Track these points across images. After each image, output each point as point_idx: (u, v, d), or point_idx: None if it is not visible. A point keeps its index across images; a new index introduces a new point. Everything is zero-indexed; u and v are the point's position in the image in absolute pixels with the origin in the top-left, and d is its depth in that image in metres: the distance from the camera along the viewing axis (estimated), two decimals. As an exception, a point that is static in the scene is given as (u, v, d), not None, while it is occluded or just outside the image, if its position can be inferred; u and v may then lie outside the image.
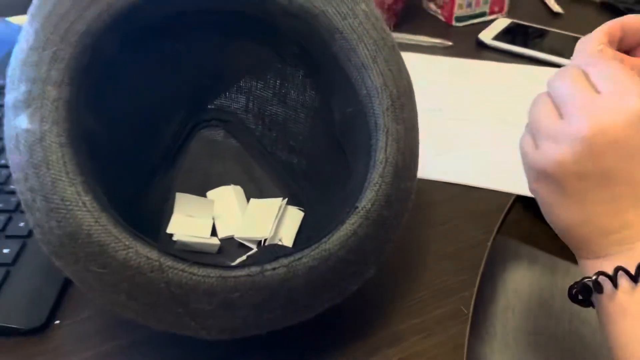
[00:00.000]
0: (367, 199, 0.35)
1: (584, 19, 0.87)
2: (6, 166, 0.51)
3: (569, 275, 0.66)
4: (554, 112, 0.34)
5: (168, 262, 0.30)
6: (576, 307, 0.63)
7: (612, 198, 0.33)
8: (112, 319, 0.41)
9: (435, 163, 0.57)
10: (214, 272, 0.30)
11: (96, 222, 0.31)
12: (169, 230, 0.45)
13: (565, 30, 0.80)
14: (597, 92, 0.33)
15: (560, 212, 0.35)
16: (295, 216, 0.49)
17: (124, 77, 0.45)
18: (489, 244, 0.48)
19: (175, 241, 0.44)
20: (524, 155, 0.37)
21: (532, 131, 0.36)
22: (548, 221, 0.37)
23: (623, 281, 0.32)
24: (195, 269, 0.30)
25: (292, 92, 0.50)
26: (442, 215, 0.51)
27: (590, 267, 0.35)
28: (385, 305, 0.42)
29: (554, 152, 0.33)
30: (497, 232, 0.50)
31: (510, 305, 0.64)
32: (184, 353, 0.39)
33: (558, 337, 0.61)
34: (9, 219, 0.46)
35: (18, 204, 0.47)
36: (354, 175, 0.40)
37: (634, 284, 0.32)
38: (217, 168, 0.52)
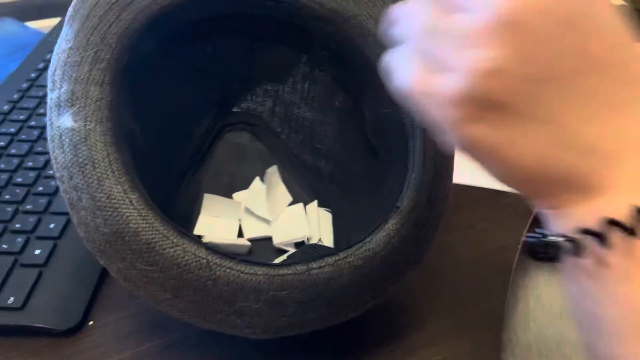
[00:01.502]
0: (409, 199, 0.35)
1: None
2: (34, 168, 0.51)
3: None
4: (441, 11, 0.24)
5: (216, 259, 0.30)
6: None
7: (579, 97, 0.23)
8: (147, 320, 0.41)
9: (462, 167, 0.57)
10: (261, 270, 0.30)
11: (143, 219, 0.31)
12: (196, 232, 0.45)
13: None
14: None
15: (518, 148, 0.23)
16: (326, 218, 0.49)
17: (157, 79, 0.45)
18: (520, 246, 0.48)
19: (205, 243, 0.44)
20: (428, 99, 0.24)
21: (425, 52, 0.24)
22: (499, 175, 0.25)
23: (616, 237, 0.22)
24: (243, 267, 0.30)
25: (321, 95, 0.50)
26: (470, 219, 0.51)
27: (579, 214, 0.23)
28: (418, 308, 0.42)
29: (480, 61, 0.22)
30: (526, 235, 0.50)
31: (532, 312, 0.63)
32: (220, 354, 0.39)
33: (580, 345, 0.60)
34: (39, 221, 0.46)
35: (48, 205, 0.47)
36: (391, 176, 0.40)
37: (631, 236, 0.21)
38: (243, 171, 0.52)
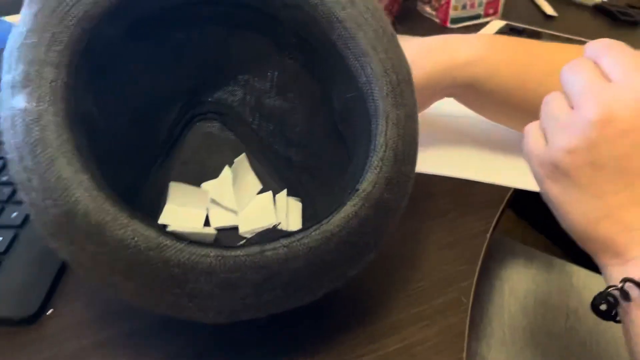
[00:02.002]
0: (368, 181, 0.34)
1: (578, 22, 0.88)
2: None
3: (564, 274, 0.66)
4: (565, 105, 0.34)
5: (166, 241, 0.30)
6: (572, 305, 0.63)
7: (628, 187, 0.31)
8: (108, 308, 0.40)
9: (434, 157, 0.57)
10: (213, 252, 0.30)
11: (93, 200, 0.30)
12: (161, 221, 0.45)
13: (559, 33, 0.81)
14: (609, 80, 0.32)
15: (576, 210, 0.33)
16: (295, 207, 0.49)
17: (124, 65, 0.44)
18: (489, 234, 0.48)
19: (156, 224, 0.44)
20: (532, 157, 0.36)
21: (545, 128, 0.35)
22: (564, 226, 0.35)
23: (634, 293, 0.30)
24: (194, 248, 0.30)
25: (290, 83, 0.50)
26: (441, 208, 0.50)
27: (616, 274, 0.32)
28: (385, 294, 0.42)
29: (565, 142, 0.33)
30: (496, 224, 0.50)
31: (507, 303, 0.63)
32: (184, 342, 0.38)
33: (554, 335, 0.60)
34: (2, 210, 0.45)
35: (11, 195, 0.47)
36: (354, 161, 0.40)
37: None
38: (213, 161, 0.52)
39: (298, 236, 0.31)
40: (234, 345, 0.38)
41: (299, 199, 0.49)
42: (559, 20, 0.87)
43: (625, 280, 0.30)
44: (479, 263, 0.45)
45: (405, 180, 0.37)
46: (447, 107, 0.65)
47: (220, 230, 0.46)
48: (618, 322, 0.32)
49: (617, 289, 0.31)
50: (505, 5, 0.87)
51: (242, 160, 0.49)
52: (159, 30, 0.45)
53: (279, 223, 0.45)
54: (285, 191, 0.49)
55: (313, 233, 0.32)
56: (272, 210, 0.47)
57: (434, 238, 0.47)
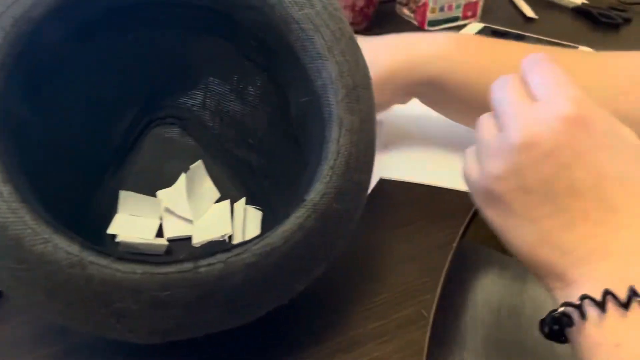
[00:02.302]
0: (316, 192, 0.32)
1: (558, 24, 0.86)
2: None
3: (539, 283, 0.64)
4: (493, 128, 0.34)
5: (90, 257, 0.28)
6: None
7: (559, 210, 0.30)
8: (46, 326, 0.38)
9: (399, 163, 0.55)
10: (140, 268, 0.28)
11: (13, 213, 0.28)
12: (110, 231, 0.43)
13: (540, 36, 0.79)
14: (534, 100, 0.32)
15: (515, 235, 0.32)
16: (254, 216, 0.47)
17: (69, 68, 0.42)
18: (455, 244, 0.46)
19: (118, 243, 0.42)
20: (469, 184, 0.36)
21: (478, 152, 0.35)
22: (511, 251, 0.34)
23: (591, 311, 0.28)
24: (119, 265, 0.28)
25: (250, 87, 0.48)
26: (405, 217, 0.48)
27: (562, 298, 0.31)
28: (342, 309, 0.40)
29: (494, 168, 0.32)
30: (463, 234, 0.48)
31: (480, 314, 0.61)
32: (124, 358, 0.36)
33: (529, 348, 0.58)
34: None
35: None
36: (308, 169, 0.38)
37: (601, 312, 0.28)
38: (171, 168, 0.50)
39: (236, 251, 0.29)
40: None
41: (259, 207, 0.47)
42: (539, 23, 0.86)
43: (565, 304, 0.29)
44: (443, 275, 0.43)
45: (358, 190, 0.35)
46: (413, 110, 0.63)
47: (173, 240, 0.44)
48: (563, 342, 0.31)
49: (558, 313, 0.30)
50: (484, 7, 0.85)
51: (198, 167, 0.47)
52: (108, 33, 0.43)
53: (228, 235, 0.43)
54: (243, 200, 0.47)
55: (253, 247, 0.30)
56: (229, 219, 0.45)
57: (396, 249, 0.45)
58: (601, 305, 0.28)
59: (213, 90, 0.50)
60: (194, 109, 0.51)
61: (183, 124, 0.51)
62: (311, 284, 0.34)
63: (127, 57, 0.47)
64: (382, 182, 0.52)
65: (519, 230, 0.32)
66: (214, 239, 0.43)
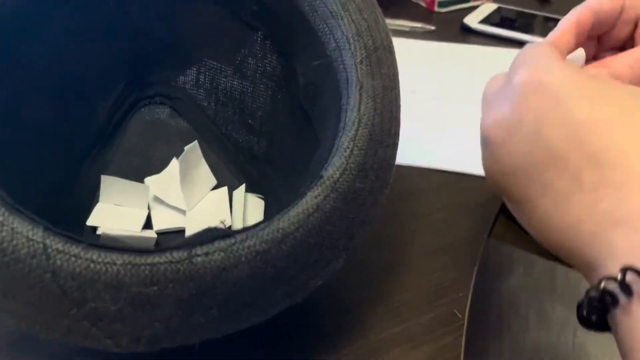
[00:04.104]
0: (335, 167, 0.27)
1: (575, 3, 0.81)
2: None
3: (570, 283, 0.59)
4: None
5: (57, 244, 0.22)
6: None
7: (546, 186, 0.27)
8: (11, 335, 0.32)
9: (421, 148, 0.49)
10: (120, 258, 0.22)
11: (-41, 191, 0.22)
12: (90, 222, 0.37)
13: (556, 15, 0.74)
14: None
15: (527, 224, 0.29)
16: (256, 205, 0.41)
17: (39, 40, 0.36)
18: (486, 236, 0.40)
19: (99, 235, 0.36)
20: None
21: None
22: (539, 239, 0.29)
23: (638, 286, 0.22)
24: (94, 254, 0.22)
25: (250, 59, 0.42)
26: (428, 206, 0.43)
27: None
28: (361, 310, 0.34)
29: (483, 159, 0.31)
30: (493, 224, 0.42)
31: (505, 319, 0.55)
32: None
33: (561, 355, 0.53)
34: None
35: None
36: (322, 145, 0.32)
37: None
38: (160, 152, 0.44)
39: (239, 237, 0.24)
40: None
41: (261, 195, 0.41)
42: (555, 3, 0.81)
43: (603, 278, 0.23)
44: (475, 270, 0.37)
45: (383, 166, 0.30)
46: (439, 90, 0.58)
47: (162, 234, 0.38)
48: (604, 329, 0.25)
49: (597, 292, 0.23)
50: (497, -12, 0.80)
51: (193, 148, 0.41)
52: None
53: (226, 225, 0.37)
54: (243, 186, 0.41)
55: (260, 233, 0.24)
56: (227, 209, 0.39)
57: (419, 241, 0.39)
58: None
59: (207, 65, 0.44)
60: (186, 86, 0.45)
61: (174, 104, 0.46)
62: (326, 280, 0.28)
63: (108, 26, 0.41)
64: (398, 167, 0.47)
65: (521, 215, 0.29)
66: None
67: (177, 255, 0.23)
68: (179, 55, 0.44)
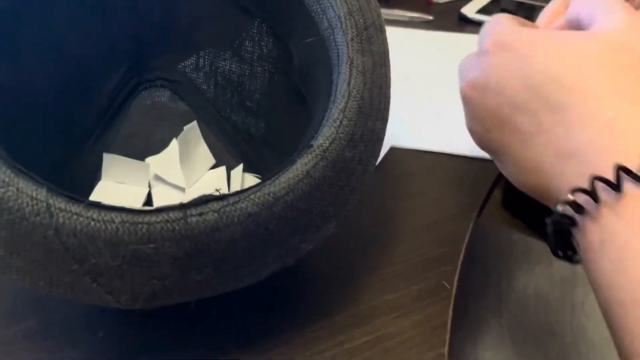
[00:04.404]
0: (325, 136, 0.28)
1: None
2: None
3: (566, 263, 0.60)
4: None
5: (59, 203, 0.23)
6: (577, 299, 0.56)
7: (513, 132, 0.31)
8: (22, 299, 0.34)
9: (413, 130, 0.50)
10: (119, 217, 0.23)
11: (-35, 152, 0.24)
12: (92, 198, 0.38)
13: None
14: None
15: (507, 173, 0.33)
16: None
17: (39, 29, 0.38)
18: (475, 214, 0.41)
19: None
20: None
21: None
22: (517, 184, 0.33)
23: (585, 200, 0.25)
24: (94, 212, 0.23)
25: (248, 42, 0.44)
26: (419, 186, 0.44)
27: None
28: (353, 279, 0.35)
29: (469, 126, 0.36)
30: (484, 203, 0.44)
31: (504, 297, 0.57)
32: (109, 335, 0.32)
33: (558, 332, 0.54)
34: None
35: None
36: (313, 118, 0.34)
37: (616, 193, 0.24)
38: (161, 134, 0.45)
39: (232, 199, 0.25)
40: (162, 340, 0.31)
41: (258, 175, 0.43)
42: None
43: (573, 190, 0.25)
44: (464, 245, 0.38)
45: (373, 138, 0.31)
46: (434, 77, 0.59)
47: (162, 209, 0.39)
48: (574, 260, 0.28)
49: (567, 202, 0.25)
50: (495, -20, 0.81)
51: (192, 129, 0.42)
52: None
53: (220, 189, 0.39)
54: (241, 166, 0.42)
55: (252, 196, 0.25)
56: (225, 187, 0.41)
57: (411, 218, 0.41)
58: (593, 193, 0.24)
59: (206, 49, 0.46)
60: (186, 70, 0.47)
61: (174, 87, 0.47)
62: (318, 249, 0.29)
63: (109, 10, 0.42)
64: (393, 150, 0.48)
65: (502, 166, 0.33)
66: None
67: (173, 214, 0.24)
68: (178, 40, 0.46)
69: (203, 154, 0.43)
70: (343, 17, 0.33)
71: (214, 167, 0.43)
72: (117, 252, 0.23)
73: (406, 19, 0.71)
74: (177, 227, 0.24)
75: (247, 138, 0.45)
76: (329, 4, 0.34)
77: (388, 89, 0.33)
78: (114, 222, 0.23)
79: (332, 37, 0.33)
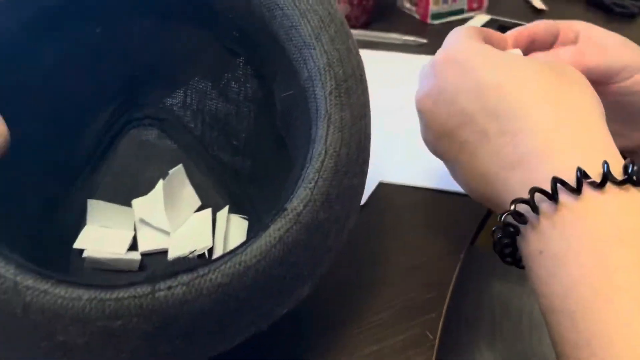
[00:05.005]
0: (299, 199, 0.28)
1: (570, 15, 0.81)
2: None
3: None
4: None
5: (27, 281, 0.23)
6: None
7: (462, 143, 0.32)
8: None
9: (401, 165, 0.50)
10: (87, 294, 0.23)
11: None
12: (77, 245, 0.38)
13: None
14: None
15: (460, 182, 0.35)
16: (239, 226, 0.42)
17: (29, 64, 0.38)
18: (462, 255, 0.41)
19: (84, 258, 0.37)
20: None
21: None
22: (467, 191, 0.34)
23: (525, 210, 0.26)
24: (61, 290, 0.23)
25: (234, 83, 0.44)
26: (406, 224, 0.44)
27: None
28: (333, 330, 0.35)
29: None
30: (472, 242, 0.43)
31: (498, 324, 0.56)
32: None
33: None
34: None
35: None
36: (292, 173, 0.33)
37: (553, 204, 0.25)
38: (149, 173, 0.45)
39: (201, 271, 0.25)
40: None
41: (244, 216, 0.43)
42: (549, 14, 0.81)
43: (514, 201, 0.27)
44: (450, 290, 0.38)
45: (350, 196, 0.31)
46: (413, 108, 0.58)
47: (147, 255, 0.39)
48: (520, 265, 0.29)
49: (509, 213, 0.27)
50: (491, -1, 0.81)
51: (178, 172, 0.42)
52: (71, 23, 0.39)
53: (207, 247, 0.39)
54: (226, 208, 0.42)
55: (222, 266, 0.25)
56: (209, 230, 0.41)
57: (396, 259, 0.40)
58: (532, 204, 0.26)
59: (194, 88, 0.46)
60: (174, 108, 0.47)
61: (162, 125, 0.47)
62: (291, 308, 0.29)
63: (92, 52, 0.42)
64: (381, 186, 0.48)
65: (454, 174, 0.35)
66: (191, 253, 0.39)
67: (141, 290, 0.24)
68: (166, 79, 0.46)
69: (188, 196, 0.43)
70: (322, 69, 0.33)
71: (200, 208, 0.43)
72: (84, 329, 0.23)
73: (400, 42, 0.71)
74: (144, 303, 0.24)
75: (234, 176, 0.45)
76: (309, 55, 0.34)
77: (368, 142, 0.33)
78: (81, 299, 0.23)
79: (311, 88, 0.33)
